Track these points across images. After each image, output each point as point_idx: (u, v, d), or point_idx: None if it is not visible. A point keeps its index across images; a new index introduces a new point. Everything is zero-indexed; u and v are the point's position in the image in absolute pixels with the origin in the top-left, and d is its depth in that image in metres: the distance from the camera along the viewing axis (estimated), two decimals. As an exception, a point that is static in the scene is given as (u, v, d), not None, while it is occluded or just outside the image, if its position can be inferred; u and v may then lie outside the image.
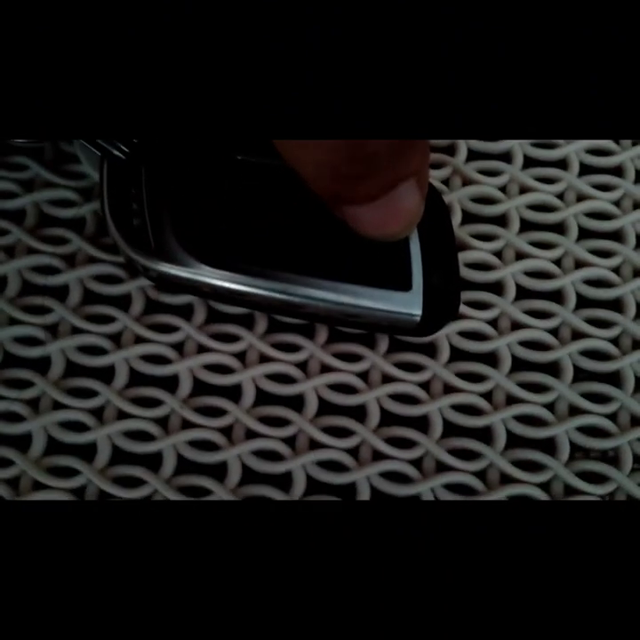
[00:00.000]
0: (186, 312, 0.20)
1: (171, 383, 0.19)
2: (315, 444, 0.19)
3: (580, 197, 0.22)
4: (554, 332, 0.20)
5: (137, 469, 0.19)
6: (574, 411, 0.20)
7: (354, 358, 0.20)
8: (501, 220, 0.22)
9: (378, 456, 0.19)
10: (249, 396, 0.19)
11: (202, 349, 0.20)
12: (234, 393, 0.19)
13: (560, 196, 0.22)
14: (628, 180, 0.22)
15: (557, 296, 0.21)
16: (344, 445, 0.19)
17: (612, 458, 0.20)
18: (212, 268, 0.18)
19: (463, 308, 0.20)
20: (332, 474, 0.19)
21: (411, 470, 0.19)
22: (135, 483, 0.18)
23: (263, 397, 0.19)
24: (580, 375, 0.20)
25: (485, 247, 0.21)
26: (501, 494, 0.19)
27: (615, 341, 0.21)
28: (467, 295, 0.20)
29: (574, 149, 0.22)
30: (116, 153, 0.19)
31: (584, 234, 0.22)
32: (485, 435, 0.20)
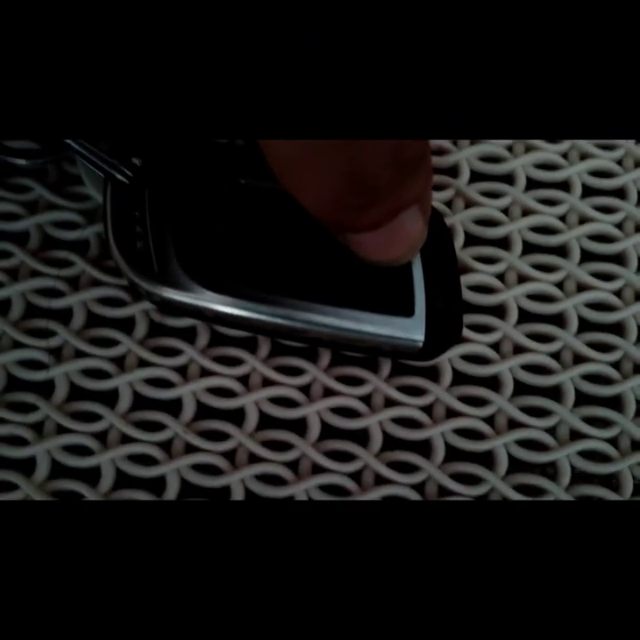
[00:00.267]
0: (189, 335, 0.20)
1: (174, 407, 0.19)
2: (317, 469, 0.19)
3: (583, 220, 0.22)
4: (556, 355, 0.21)
5: (141, 494, 0.19)
6: (575, 435, 0.20)
7: (356, 382, 0.20)
8: (504, 243, 0.22)
9: (380, 480, 0.19)
10: (252, 419, 0.19)
11: (205, 373, 0.20)
12: (237, 416, 0.19)
13: (562, 219, 0.22)
14: (630, 202, 0.22)
15: (559, 319, 0.21)
16: (346, 470, 0.19)
17: (614, 483, 0.20)
18: (215, 294, 0.18)
19: (465, 332, 0.20)
20: (335, 498, 0.19)
21: (413, 495, 0.19)
22: (139, 507, 0.19)
23: (266, 421, 0.20)
24: (582, 399, 0.20)
25: (488, 270, 0.21)
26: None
27: (616, 365, 0.21)
28: (469, 318, 0.21)
29: (576, 171, 0.22)
30: (120, 177, 0.19)
31: (586, 256, 0.22)
32: (487, 459, 0.20)
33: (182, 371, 0.20)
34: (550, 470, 0.20)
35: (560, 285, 0.21)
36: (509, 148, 0.23)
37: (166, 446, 0.19)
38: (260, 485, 0.19)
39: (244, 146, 0.21)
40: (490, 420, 0.20)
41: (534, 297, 0.21)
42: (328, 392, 0.20)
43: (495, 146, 0.22)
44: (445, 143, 0.22)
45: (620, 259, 0.22)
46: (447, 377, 0.20)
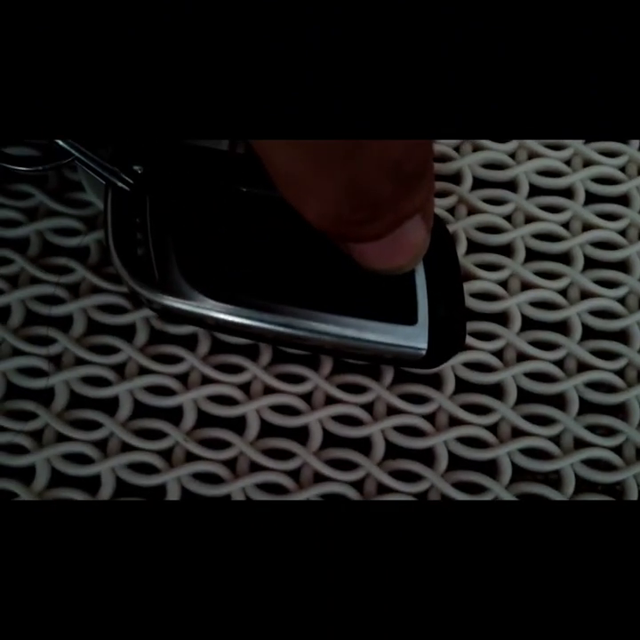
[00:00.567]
0: (190, 342, 0.20)
1: (175, 415, 0.19)
2: (319, 477, 0.19)
3: (586, 227, 0.22)
4: (559, 363, 0.20)
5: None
6: (580, 443, 0.20)
7: (359, 390, 0.20)
8: (507, 250, 0.22)
9: (382, 489, 0.19)
10: (253, 428, 0.19)
11: (206, 380, 0.20)
12: (238, 425, 0.19)
13: (566, 226, 0.22)
14: (634, 209, 0.22)
15: (563, 327, 0.21)
16: (348, 479, 0.19)
17: (618, 491, 0.20)
18: (216, 302, 0.18)
19: (469, 339, 0.20)
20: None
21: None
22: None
23: (267, 429, 0.19)
24: (586, 407, 0.20)
25: (491, 277, 0.21)
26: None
27: (621, 373, 0.20)
28: (472, 326, 0.20)
29: (580, 178, 0.22)
30: (120, 184, 0.18)
31: (590, 264, 0.22)
32: (490, 467, 0.19)
33: (183, 378, 0.20)
34: (554, 479, 0.20)
35: (563, 293, 0.21)
36: (512, 155, 0.23)
37: (167, 455, 0.19)
38: (261, 494, 0.19)
39: (244, 154, 0.21)
40: (493, 429, 0.20)
41: (538, 304, 0.21)
42: (330, 400, 0.20)
43: (498, 152, 0.22)
44: (448, 150, 0.22)
45: (623, 266, 0.22)
46: (450, 385, 0.20)
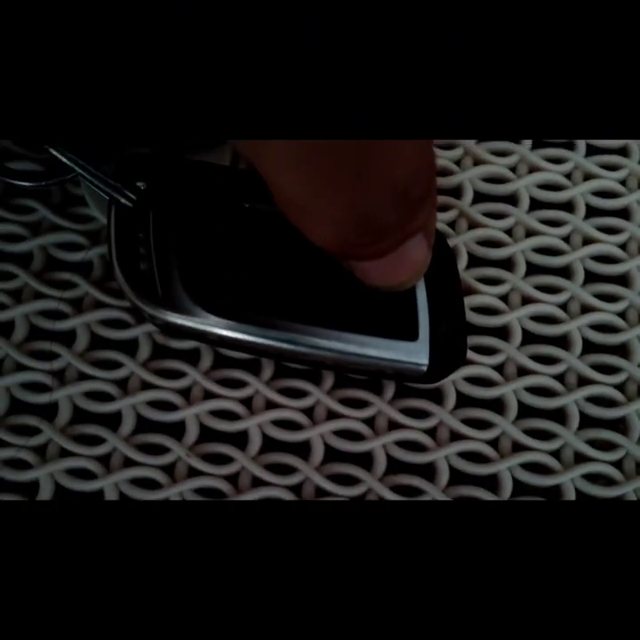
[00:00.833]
0: (192, 357, 0.20)
1: (177, 429, 0.19)
2: (321, 492, 0.19)
3: (586, 240, 0.22)
4: (560, 377, 0.21)
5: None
6: (580, 458, 0.20)
7: (360, 404, 0.20)
8: (507, 264, 0.22)
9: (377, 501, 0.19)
10: (255, 442, 0.19)
11: (208, 395, 0.20)
12: (240, 439, 0.19)
13: (566, 239, 0.22)
14: (634, 222, 0.22)
15: (563, 341, 0.21)
16: (350, 494, 0.19)
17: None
18: (218, 318, 0.18)
19: (469, 354, 0.20)
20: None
21: (417, 519, 0.19)
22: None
23: (269, 444, 0.20)
24: (586, 422, 0.20)
25: (491, 291, 0.21)
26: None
27: (621, 387, 0.21)
28: (473, 340, 0.20)
29: (580, 192, 0.22)
30: (123, 201, 0.19)
31: (590, 278, 0.22)
32: (491, 482, 0.20)
33: (185, 393, 0.20)
34: (554, 493, 0.20)
35: (564, 307, 0.21)
36: (513, 169, 0.23)
37: (169, 470, 0.19)
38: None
39: (247, 169, 0.21)
40: (494, 443, 0.20)
41: (538, 318, 0.21)
42: (332, 415, 0.20)
43: (498, 166, 0.22)
44: (449, 164, 0.22)
45: (624, 280, 0.22)
46: (451, 399, 0.20)
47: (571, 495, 0.19)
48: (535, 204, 0.22)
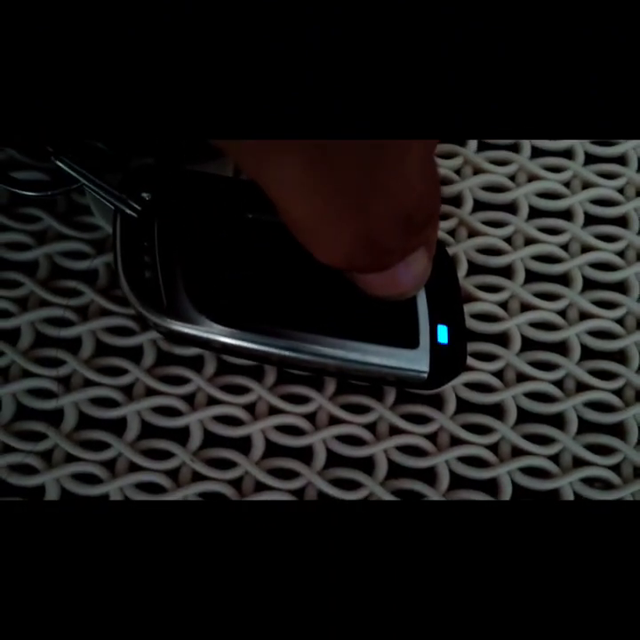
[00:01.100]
0: (196, 364, 0.20)
1: (182, 435, 0.20)
2: (323, 497, 0.19)
3: (585, 248, 0.22)
4: (558, 383, 0.21)
5: (148, 522, 0.19)
6: (578, 462, 0.20)
7: (362, 410, 0.20)
8: (507, 272, 0.22)
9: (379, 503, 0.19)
10: (258, 447, 0.20)
11: (212, 401, 0.20)
12: (243, 445, 0.20)
13: (565, 247, 0.22)
14: (632, 230, 0.22)
15: (562, 347, 0.21)
16: (352, 498, 0.19)
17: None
18: (222, 326, 0.18)
19: (469, 360, 0.20)
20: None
21: (418, 523, 0.19)
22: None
23: (272, 449, 0.20)
24: (585, 427, 0.21)
25: (491, 298, 0.21)
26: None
27: (619, 393, 0.21)
28: (473, 346, 0.21)
29: (579, 200, 0.23)
30: (129, 211, 0.19)
31: (588, 285, 0.22)
32: (491, 487, 0.20)
33: (190, 399, 0.20)
34: (553, 497, 0.20)
35: (563, 314, 0.21)
36: (512, 178, 0.23)
37: (174, 474, 0.19)
38: (266, 514, 0.19)
39: (250, 181, 0.22)
40: (494, 448, 0.20)
41: (537, 325, 0.21)
42: (333, 420, 0.20)
43: (498, 175, 0.23)
44: (449, 173, 0.23)
45: (622, 287, 0.22)
46: (451, 405, 0.20)
47: (569, 499, 0.20)
48: (534, 213, 0.23)
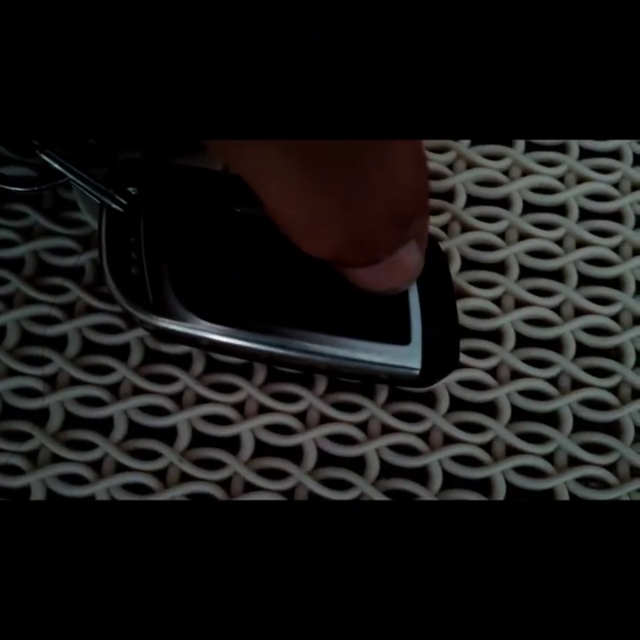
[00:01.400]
0: (184, 362, 0.20)
1: (169, 435, 0.19)
2: (314, 497, 0.19)
3: (580, 244, 0.22)
4: (553, 381, 0.20)
5: (135, 524, 0.19)
6: (574, 461, 0.20)
7: (353, 408, 0.20)
8: (500, 267, 0.22)
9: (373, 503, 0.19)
10: (247, 447, 0.19)
11: (200, 400, 0.20)
12: (232, 444, 0.19)
13: (559, 243, 0.22)
14: (627, 225, 0.22)
15: (556, 344, 0.21)
16: (343, 498, 0.19)
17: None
18: (209, 323, 0.18)
19: (462, 357, 0.20)
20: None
21: (410, 524, 0.19)
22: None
23: (262, 448, 0.19)
24: (580, 425, 0.20)
25: (484, 294, 0.21)
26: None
27: (615, 391, 0.20)
28: (466, 343, 0.20)
29: (573, 195, 0.22)
30: (115, 206, 0.18)
31: (583, 281, 0.22)
32: (485, 486, 0.19)
33: (177, 398, 0.20)
34: (548, 497, 0.20)
35: (557, 310, 0.21)
36: (505, 172, 0.23)
37: (161, 475, 0.19)
38: (255, 514, 0.19)
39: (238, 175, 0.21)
40: (487, 447, 0.20)
41: (531, 322, 0.21)
42: (324, 419, 0.20)
43: (491, 170, 0.22)
44: (441, 168, 0.22)
45: (617, 283, 0.22)
46: (444, 403, 0.20)
47: (564, 499, 0.19)
48: (528, 208, 0.22)
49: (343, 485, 0.19)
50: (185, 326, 0.18)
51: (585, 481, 0.20)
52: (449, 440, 0.20)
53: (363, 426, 0.20)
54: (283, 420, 0.20)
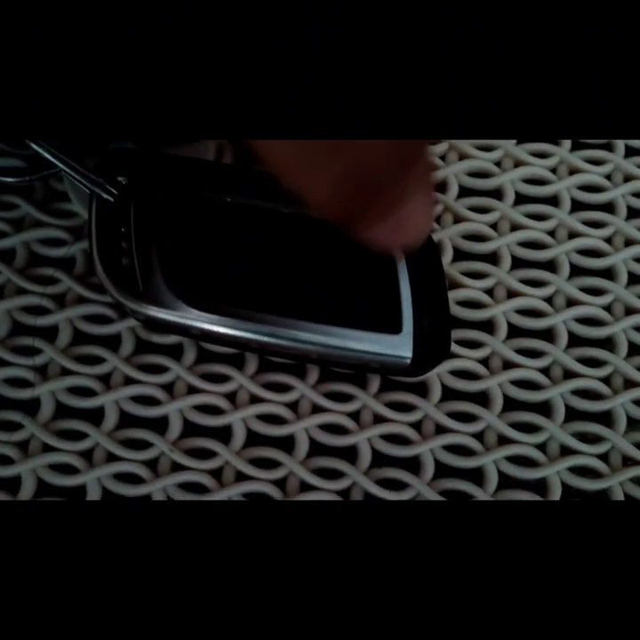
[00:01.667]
0: (176, 352, 0.20)
1: (160, 424, 0.19)
2: (305, 486, 0.19)
3: (572, 234, 0.22)
4: (545, 370, 0.20)
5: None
6: (566, 451, 0.20)
7: (345, 398, 0.20)
8: (492, 258, 0.22)
9: (368, 499, 0.19)
10: (239, 437, 0.19)
11: (192, 390, 0.20)
12: (224, 434, 0.19)
13: (551, 234, 0.22)
14: (619, 216, 0.22)
15: (549, 335, 0.21)
16: (335, 487, 0.19)
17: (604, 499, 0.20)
18: (200, 312, 0.18)
19: (454, 347, 0.20)
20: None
21: (402, 513, 0.19)
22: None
23: (253, 438, 0.19)
24: (572, 415, 0.20)
25: (476, 285, 0.21)
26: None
27: (607, 380, 0.20)
28: (458, 334, 0.20)
29: (565, 186, 0.22)
30: (105, 195, 0.18)
31: (575, 271, 0.22)
32: (477, 475, 0.19)
33: (169, 388, 0.20)
34: (540, 486, 0.20)
35: (549, 300, 0.21)
36: (498, 164, 0.23)
37: (152, 465, 0.19)
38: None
39: (229, 165, 0.21)
40: (479, 437, 0.20)
41: (523, 312, 0.21)
42: (316, 409, 0.20)
43: (483, 161, 0.22)
44: (434, 159, 0.22)
45: (609, 273, 0.22)
46: (436, 393, 0.20)
47: (556, 488, 0.19)
48: (520, 199, 0.22)
49: (335, 475, 0.19)
50: (176, 315, 0.18)
51: (577, 470, 0.20)
52: (441, 430, 0.20)
53: (355, 415, 0.20)
54: (274, 410, 0.19)
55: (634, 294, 0.21)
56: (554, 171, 0.23)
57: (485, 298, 0.21)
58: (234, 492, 0.19)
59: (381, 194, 0.15)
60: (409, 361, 0.18)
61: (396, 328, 0.18)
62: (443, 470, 0.19)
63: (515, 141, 0.23)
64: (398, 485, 0.19)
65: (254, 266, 0.18)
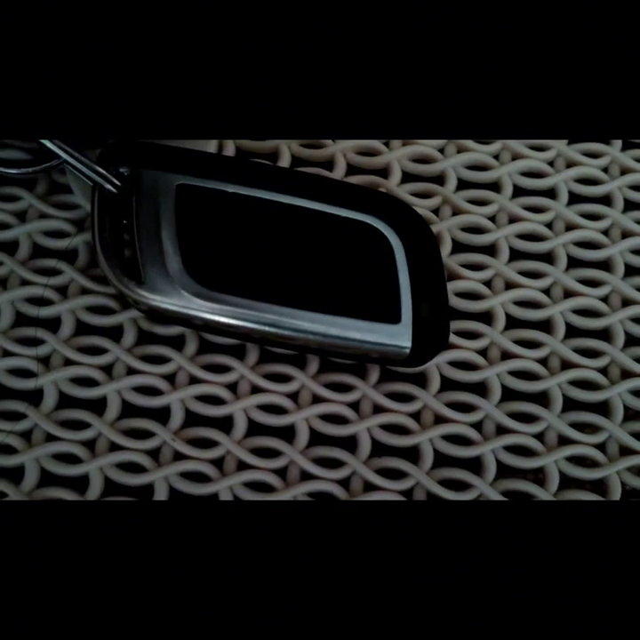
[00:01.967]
0: (177, 343, 0.20)
1: (162, 414, 0.20)
2: (306, 476, 0.19)
3: (569, 226, 0.22)
4: (543, 361, 0.21)
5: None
6: (563, 441, 0.20)
7: (345, 388, 0.20)
8: (491, 250, 0.22)
9: (369, 487, 0.19)
10: (240, 427, 0.19)
11: (193, 380, 0.20)
12: (225, 424, 0.20)
13: (549, 226, 0.22)
14: (616, 208, 0.22)
15: (546, 326, 0.21)
16: (335, 477, 0.19)
17: (602, 488, 0.20)
18: (202, 302, 0.18)
19: (453, 338, 0.20)
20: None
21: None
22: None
23: (254, 428, 0.20)
24: (570, 405, 0.20)
25: (475, 277, 0.21)
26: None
27: (604, 371, 0.21)
28: (456, 325, 0.21)
29: (563, 178, 0.23)
30: (108, 186, 0.19)
31: (573, 263, 0.22)
32: (476, 465, 0.20)
33: (171, 378, 0.20)
34: (539, 476, 0.20)
35: (547, 292, 0.21)
36: (496, 156, 0.23)
37: (154, 454, 0.19)
38: (248, 493, 0.19)
39: (230, 156, 0.22)
40: (478, 426, 0.20)
41: (521, 303, 0.21)
42: (316, 399, 0.20)
43: (481, 154, 0.23)
44: (432, 151, 0.22)
45: (606, 265, 0.22)
46: (435, 383, 0.20)
47: (554, 477, 0.19)
48: (518, 191, 0.23)
49: (335, 464, 0.19)
50: (178, 305, 0.18)
51: (575, 460, 0.20)
52: (440, 420, 0.20)
53: (354, 406, 0.20)
54: (275, 400, 0.20)
55: (631, 286, 0.21)
56: (551, 163, 0.23)
57: (484, 289, 0.21)
58: (235, 482, 0.19)
59: None
60: (408, 351, 0.18)
61: (395, 318, 0.18)
62: (442, 459, 0.20)
63: (513, 135, 0.23)
64: (398, 474, 0.19)
65: (255, 257, 0.19)
